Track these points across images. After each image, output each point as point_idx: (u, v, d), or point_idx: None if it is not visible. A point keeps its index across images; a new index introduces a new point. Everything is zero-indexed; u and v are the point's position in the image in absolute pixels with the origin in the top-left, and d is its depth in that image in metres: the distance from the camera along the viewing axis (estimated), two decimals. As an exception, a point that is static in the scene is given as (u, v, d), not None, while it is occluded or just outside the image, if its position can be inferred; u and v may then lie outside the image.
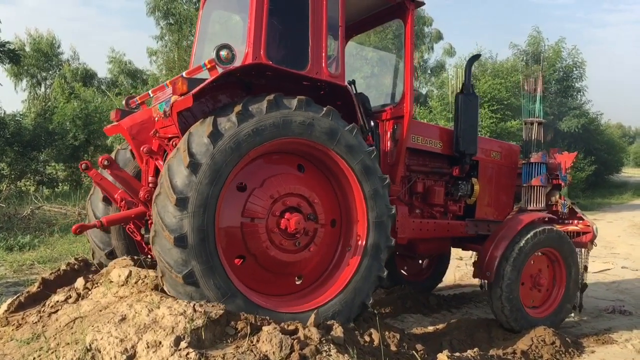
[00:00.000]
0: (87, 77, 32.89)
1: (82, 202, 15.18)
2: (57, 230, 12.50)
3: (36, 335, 4.22)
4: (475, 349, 4.92)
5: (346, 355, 3.95)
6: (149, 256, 5.45)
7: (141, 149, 5.19)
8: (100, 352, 3.81)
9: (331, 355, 3.91)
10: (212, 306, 4.12)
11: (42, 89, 34.17)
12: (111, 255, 5.85)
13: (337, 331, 4.22)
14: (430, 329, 6.27)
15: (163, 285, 4.39)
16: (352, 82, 6.11)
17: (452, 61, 38.24)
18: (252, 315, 4.22)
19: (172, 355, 3.67)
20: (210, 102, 5.10)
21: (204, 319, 3.95)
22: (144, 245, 5.64)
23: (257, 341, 3.89)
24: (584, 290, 7.01)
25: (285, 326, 4.15)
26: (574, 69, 35.06)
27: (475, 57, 7.21)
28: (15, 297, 5.00)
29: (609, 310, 7.53)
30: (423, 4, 6.19)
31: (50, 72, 33.88)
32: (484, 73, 30.38)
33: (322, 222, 5.10)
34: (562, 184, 7.29)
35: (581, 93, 35.88)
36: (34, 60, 32.98)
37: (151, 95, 5.59)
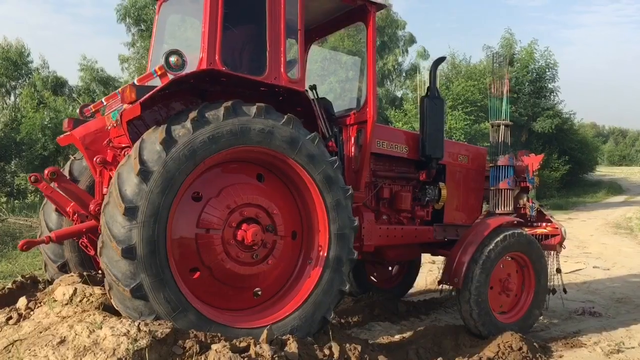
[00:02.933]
0: (58, 85, 32.17)
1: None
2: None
3: (-29, 360, 3.96)
4: (440, 358, 4.78)
5: (299, 372, 3.78)
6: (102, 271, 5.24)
7: (94, 159, 4.96)
8: (36, 378, 3.58)
9: (284, 373, 3.73)
10: (159, 325, 3.93)
11: (12, 98, 33.47)
12: (64, 268, 5.64)
13: (292, 347, 4.05)
14: (397, 337, 6.12)
15: (111, 299, 4.17)
16: (313, 87, 5.95)
17: (426, 64, 38.26)
18: (202, 333, 4.03)
19: (111, 379, 3.46)
20: (163, 110, 4.91)
21: (149, 339, 3.74)
22: (98, 259, 5.41)
23: (205, 361, 3.70)
24: (554, 292, 6.94)
25: (237, 343, 3.97)
26: (547, 70, 35.40)
27: (440, 60, 7.06)
28: (-46, 319, 4.73)
29: (579, 312, 7.47)
30: (384, 6, 6.06)
31: (20, 81, 33.18)
32: (457, 75, 30.54)
33: (281, 234, 4.91)
34: (530, 186, 7.21)
35: (554, 94, 36.27)
36: (3, 69, 32.21)
37: (104, 103, 5.37)
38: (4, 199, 20.88)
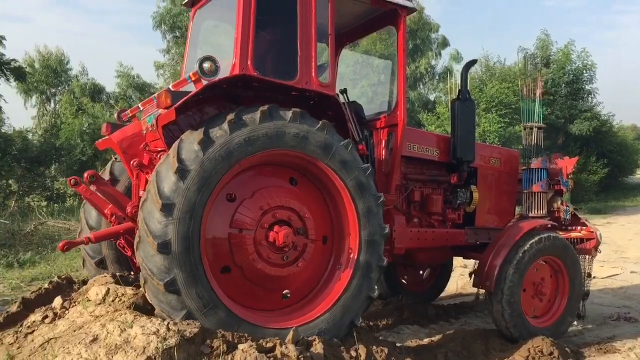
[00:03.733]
0: (96, 92, 33.06)
1: (86, 217, 15.19)
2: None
3: (9, 357, 4.11)
4: (464, 362, 4.75)
5: (324, 372, 3.81)
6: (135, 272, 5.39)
7: (131, 162, 5.11)
8: (69, 374, 3.70)
9: (309, 373, 3.77)
10: (187, 324, 4.01)
11: (52, 105, 34.46)
12: (101, 264, 5.80)
13: (317, 347, 4.08)
14: (426, 340, 6.09)
15: (145, 292, 4.27)
16: (344, 91, 6.00)
17: (459, 67, 37.93)
18: (229, 333, 4.09)
19: (141, 376, 3.55)
20: (197, 114, 5.00)
21: (178, 338, 3.83)
22: (134, 260, 5.54)
23: (232, 360, 3.76)
24: (585, 298, 6.81)
25: (264, 343, 4.02)
26: (584, 71, 34.67)
27: (471, 63, 7.07)
28: (-7, 318, 4.92)
29: (614, 317, 7.31)
30: (415, 10, 6.09)
31: (59, 88, 34.14)
32: (491, 77, 30.18)
33: (312, 238, 4.96)
34: (564, 189, 7.15)
35: (592, 95, 35.50)
36: (43, 76, 33.25)
37: (141, 108, 5.49)
38: (44, 203, 21.45)
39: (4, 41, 17.25)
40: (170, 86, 4.77)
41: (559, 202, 7.14)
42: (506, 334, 5.86)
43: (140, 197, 5.03)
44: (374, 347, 4.75)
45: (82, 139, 23.22)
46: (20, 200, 20.49)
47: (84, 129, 23.98)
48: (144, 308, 4.38)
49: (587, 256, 6.92)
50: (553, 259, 6.21)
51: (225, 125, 4.36)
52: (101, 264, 5.80)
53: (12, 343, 4.40)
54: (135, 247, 4.27)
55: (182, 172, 4.17)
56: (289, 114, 4.61)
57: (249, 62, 4.77)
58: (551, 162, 7.13)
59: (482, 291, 7.79)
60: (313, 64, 5.07)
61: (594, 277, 7.57)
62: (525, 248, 5.90)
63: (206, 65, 4.42)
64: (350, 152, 4.89)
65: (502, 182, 6.95)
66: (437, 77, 37.88)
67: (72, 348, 3.86)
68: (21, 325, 4.63)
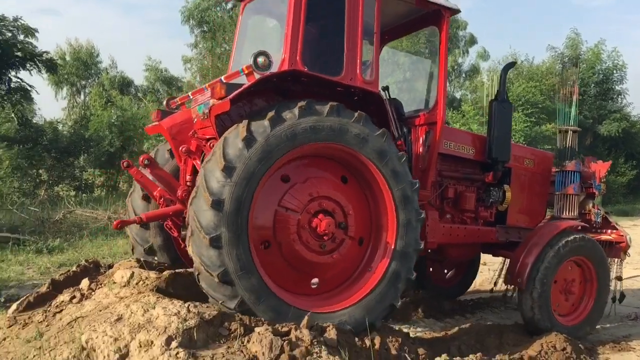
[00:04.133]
0: (124, 85, 33.72)
1: (113, 207, 15.54)
2: (87, 234, 12.81)
3: (39, 334, 4.33)
4: (479, 354, 4.83)
5: (337, 357, 3.95)
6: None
7: (180, 148, 5.32)
8: (95, 350, 3.91)
9: (322, 356, 3.91)
10: (207, 307, 4.19)
11: (82, 97, 35.24)
12: (150, 251, 6.04)
13: (331, 333, 4.21)
14: (440, 333, 6.17)
15: (199, 284, 4.43)
16: (386, 88, 6.14)
17: (486, 65, 37.71)
18: (246, 317, 4.25)
19: (162, 354, 3.73)
20: (247, 106, 5.13)
21: (197, 319, 4.01)
22: (180, 241, 5.77)
23: (248, 342, 3.93)
24: (622, 300, 7.02)
25: (279, 328, 4.16)
26: (614, 71, 34.17)
27: (511, 65, 7.20)
28: (24, 297, 5.15)
29: (632, 317, 7.29)
30: (458, 11, 6.14)
31: (89, 80, 34.90)
32: (518, 76, 29.93)
33: (351, 235, 5.08)
34: (596, 193, 7.20)
35: (622, 96, 34.99)
36: (74, 69, 34.01)
37: (191, 97, 5.69)
38: (72, 193, 21.96)
39: (36, 34, 17.66)
40: (222, 78, 4.93)
41: (591, 205, 7.20)
42: (534, 332, 5.90)
43: (187, 181, 5.37)
44: (389, 337, 4.88)
45: (111, 130, 23.68)
46: (50, 190, 21.02)
47: (113, 121, 24.44)
48: (166, 291, 4.58)
49: (616, 259, 7.03)
50: (583, 260, 6.28)
51: (295, 110, 4.57)
52: (150, 251, 6.04)
53: (41, 321, 4.63)
54: (190, 202, 4.43)
55: (248, 141, 4.37)
56: (354, 115, 4.82)
57: (297, 58, 4.92)
58: (585, 165, 7.20)
59: (497, 287, 7.91)
60: (358, 61, 5.20)
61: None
62: (557, 248, 5.97)
63: (260, 59, 4.56)
64: (403, 164, 5.04)
65: (535, 183, 7.04)
66: (463, 75, 37.69)
67: (97, 326, 4.06)
68: (50, 305, 4.86)
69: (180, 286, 4.78)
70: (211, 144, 4.98)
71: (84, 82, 34.99)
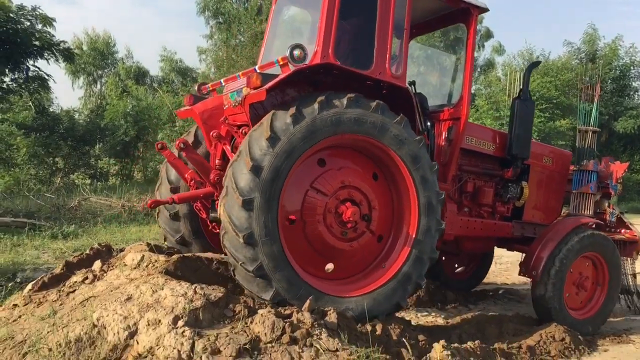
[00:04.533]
0: (140, 75, 34.05)
1: (127, 195, 15.80)
2: (101, 220, 13.07)
3: (53, 312, 4.52)
4: (477, 342, 4.95)
5: (337, 339, 4.09)
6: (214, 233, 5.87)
7: (211, 134, 5.49)
8: (105, 328, 4.08)
9: (322, 338, 4.06)
10: (212, 289, 4.35)
11: (98, 86, 35.65)
12: (182, 240, 6.25)
13: (332, 317, 4.36)
14: (442, 322, 6.31)
15: (221, 210, 4.60)
16: (412, 83, 6.28)
17: (501, 59, 37.54)
18: (250, 299, 4.41)
19: (169, 332, 3.90)
20: (279, 95, 5.30)
21: (203, 300, 4.17)
22: (208, 223, 6.01)
23: (251, 322, 4.09)
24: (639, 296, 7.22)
25: (282, 310, 4.33)
26: (632, 67, 33.82)
27: (535, 64, 7.33)
28: (39, 278, 5.35)
29: (634, 311, 7.35)
30: (486, 10, 6.25)
31: (106, 70, 35.29)
32: (533, 71, 29.73)
33: (372, 229, 5.26)
34: (612, 192, 7.37)
35: (638, 93, 34.61)
36: (91, 58, 34.39)
37: (223, 84, 5.88)
38: (87, 181, 22.29)
39: (54, 23, 17.90)
40: (256, 67, 5.15)
41: (606, 205, 7.39)
42: (546, 322, 6.02)
43: (217, 165, 5.57)
44: (391, 324, 5.02)
45: (126, 120, 23.97)
46: (66, 177, 21.36)
47: (128, 110, 24.72)
48: (174, 274, 4.74)
49: (628, 258, 7.25)
50: (596, 256, 6.45)
51: (344, 100, 4.80)
52: (182, 240, 6.24)
53: (55, 300, 4.82)
54: (230, 164, 4.63)
55: (296, 118, 4.57)
56: (395, 117, 5.04)
57: (330, 51, 5.05)
58: (602, 164, 7.36)
59: (505, 281, 8.02)
60: (388, 56, 5.33)
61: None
62: (571, 243, 6.15)
63: (296, 52, 4.71)
64: (433, 173, 5.26)
65: (552, 181, 7.18)
66: (478, 70, 37.52)
67: (108, 305, 4.24)
68: (64, 285, 5.06)
69: (188, 269, 4.93)
70: (243, 131, 5.18)
71: (100, 72, 35.41)
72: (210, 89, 6.12)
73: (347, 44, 5.47)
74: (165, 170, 6.35)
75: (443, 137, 6.30)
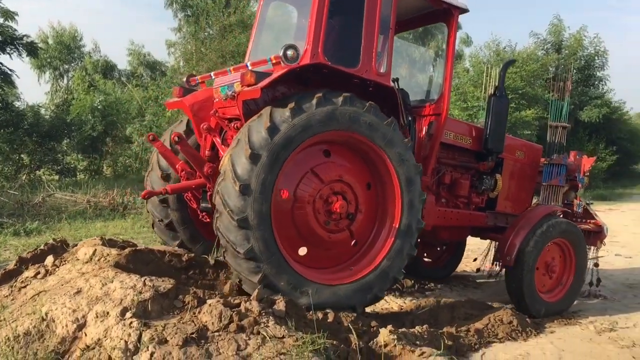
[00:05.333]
0: (108, 69, 33.59)
1: (93, 190, 15.65)
2: (65, 217, 12.95)
3: (2, 307, 4.54)
4: (425, 326, 5.11)
5: (284, 326, 4.19)
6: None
7: (201, 126, 5.60)
8: (54, 321, 4.14)
9: (269, 326, 4.16)
10: (162, 281, 4.42)
11: (65, 81, 35.07)
12: (169, 226, 6.34)
13: (280, 305, 4.46)
14: (397, 309, 6.46)
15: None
16: (396, 80, 6.39)
17: (468, 50, 37.94)
18: (201, 290, 4.50)
19: (117, 324, 3.97)
20: (270, 91, 5.39)
21: (152, 292, 4.25)
22: (198, 212, 6.13)
23: (199, 313, 4.17)
24: (598, 284, 7.64)
25: (231, 300, 4.42)
26: (596, 57, 34.51)
27: (510, 62, 7.69)
28: (-9, 274, 5.35)
29: (585, 294, 7.61)
30: (467, 10, 6.43)
31: (72, 64, 34.72)
32: (500, 62, 30.13)
33: (352, 230, 5.51)
34: (579, 185, 7.79)
35: (603, 82, 35.34)
36: (57, 52, 33.80)
37: (213, 77, 6.00)
38: (56, 177, 21.97)
39: (16, 17, 17.62)
40: (249, 64, 5.36)
41: (573, 196, 7.83)
42: (520, 305, 6.42)
43: (207, 156, 5.78)
44: (343, 312, 5.14)
45: (93, 115, 23.64)
46: (32, 174, 21.03)
47: (96, 105, 24.41)
48: (126, 267, 4.80)
49: (592, 247, 7.59)
50: (564, 242, 6.80)
51: (340, 98, 5.03)
52: (169, 226, 6.33)
53: (6, 295, 4.85)
54: (227, 152, 4.82)
55: (295, 111, 4.80)
56: (385, 119, 5.31)
57: (319, 49, 5.20)
58: (570, 158, 7.76)
59: (465, 268, 8.22)
60: (374, 54, 5.52)
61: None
62: (542, 230, 6.49)
63: (289, 52, 4.88)
64: (421, 202, 5.58)
65: (523, 173, 7.53)
66: (437, 57, 37.80)
67: (57, 299, 4.29)
68: (16, 281, 5.07)
69: (140, 262, 5.00)
70: (236, 125, 5.29)
71: (66, 66, 34.82)
72: (200, 81, 6.27)
73: (335, 41, 5.61)
74: (156, 157, 6.40)
75: (424, 131, 6.51)
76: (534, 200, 7.92)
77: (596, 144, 32.60)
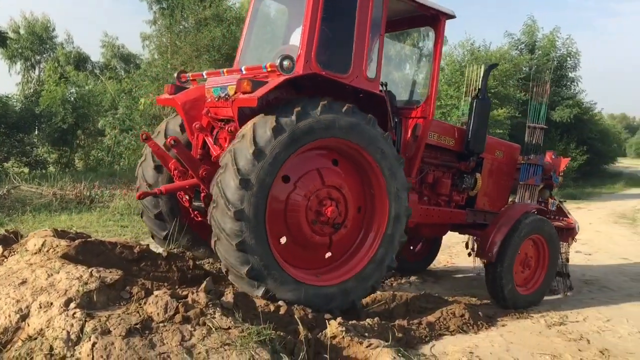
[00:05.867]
0: (80, 60, 33.12)
1: (60, 183, 15.44)
2: (30, 209, 12.77)
3: (-53, 297, 4.48)
4: (376, 318, 5.17)
5: (230, 318, 4.21)
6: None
7: (194, 125, 5.73)
8: (-4, 311, 4.08)
9: (215, 317, 4.17)
10: (110, 272, 4.40)
11: (36, 72, 34.49)
12: (159, 217, 6.40)
13: (228, 297, 4.48)
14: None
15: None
16: (384, 84, 6.56)
17: (444, 49, 38.15)
18: (149, 282, 4.49)
19: (60, 314, 3.94)
20: (264, 98, 5.37)
21: (98, 283, 4.23)
22: (190, 210, 6.30)
23: (145, 304, 4.16)
24: (568, 277, 7.99)
25: (179, 292, 4.42)
26: (568, 58, 35.04)
27: (493, 66, 7.86)
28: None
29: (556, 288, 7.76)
30: (453, 16, 6.60)
31: (44, 55, 34.17)
32: (473, 61, 30.42)
33: (332, 239, 5.63)
34: (554, 184, 8.13)
35: (575, 83, 35.89)
36: (28, 43, 33.22)
37: (204, 77, 6.09)
38: (26, 170, 21.62)
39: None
40: (243, 68, 5.49)
41: (548, 195, 8.20)
42: (499, 297, 6.78)
43: (199, 154, 5.93)
44: (296, 306, 5.17)
45: (64, 107, 23.31)
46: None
47: (67, 97, 24.07)
48: (75, 258, 4.77)
49: (565, 243, 7.98)
50: (539, 237, 7.16)
51: (342, 108, 5.21)
52: (159, 216, 6.39)
53: (-47, 286, 4.76)
54: (231, 145, 4.97)
55: (299, 114, 4.97)
56: (380, 131, 5.52)
57: (312, 56, 5.33)
58: (546, 158, 8.06)
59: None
60: (365, 60, 5.67)
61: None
62: (521, 227, 6.84)
63: (285, 63, 5.02)
64: (406, 190, 5.82)
65: (502, 172, 7.81)
66: (423, 59, 38.04)
67: (2, 289, 4.25)
68: (-36, 272, 4.99)
69: (90, 254, 4.96)
70: (230, 128, 5.47)
71: (38, 57, 34.25)
72: (191, 78, 6.39)
73: (326, 47, 5.70)
74: (141, 171, 6.51)
75: (409, 133, 6.67)
76: (510, 198, 8.19)
77: (567, 144, 33.09)
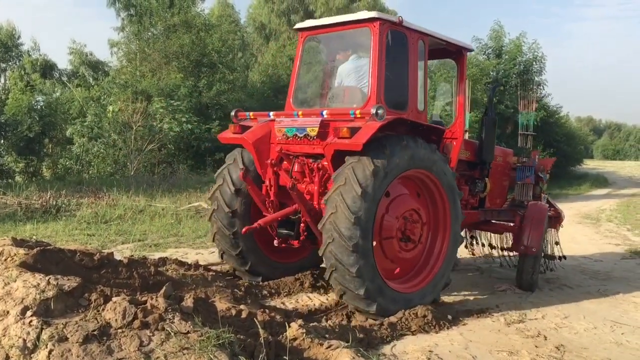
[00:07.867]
0: (47, 68, 32.66)
1: (25, 192, 15.23)
2: (-7, 219, 12.56)
3: None
4: (337, 321, 5.25)
5: (189, 322, 4.24)
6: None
7: (269, 161, 6.50)
8: (-49, 322, 4.05)
9: (174, 322, 4.21)
10: (68, 280, 4.40)
11: (2, 80, 33.91)
12: (233, 216, 6.88)
13: (188, 302, 4.51)
14: (317, 306, 6.54)
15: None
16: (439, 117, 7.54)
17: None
18: (108, 288, 4.49)
19: (16, 322, 3.94)
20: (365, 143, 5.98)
21: (56, 290, 4.23)
22: (275, 237, 6.84)
23: (103, 310, 4.17)
24: (560, 259, 9.20)
25: (138, 297, 4.44)
26: (534, 62, 35.71)
27: (497, 86, 9.01)
28: None
29: (501, 288, 7.93)
30: (473, 50, 7.93)
31: (10, 63, 33.61)
32: (441, 67, 30.86)
33: (403, 258, 6.51)
34: (543, 181, 9.31)
35: (541, 87, 36.57)
36: (-7, 51, 32.67)
37: (271, 116, 6.89)
38: (-7, 179, 21.19)
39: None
40: (324, 112, 6.33)
41: (539, 191, 9.29)
42: (528, 284, 7.92)
43: (269, 187, 6.72)
44: (261, 310, 5.24)
45: (30, 115, 22.96)
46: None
47: (33, 105, 23.70)
48: (33, 266, 4.75)
49: (553, 229, 9.38)
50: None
51: (419, 142, 6.16)
52: (233, 216, 6.89)
53: None
54: (335, 188, 5.71)
55: (390, 155, 5.81)
56: (441, 156, 6.55)
57: (381, 97, 6.21)
58: (532, 158, 9.18)
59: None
60: (417, 96, 6.67)
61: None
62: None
63: (380, 112, 5.74)
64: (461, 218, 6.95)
65: (502, 175, 8.95)
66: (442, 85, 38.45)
67: (-43, 299, 4.20)
68: None
69: (49, 262, 4.94)
70: (318, 165, 6.33)
71: (4, 65, 33.68)
72: (252, 117, 7.10)
73: (389, 89, 6.41)
74: (227, 170, 7.03)
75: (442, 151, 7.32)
76: (509, 195, 9.45)
77: (534, 147, 33.67)
